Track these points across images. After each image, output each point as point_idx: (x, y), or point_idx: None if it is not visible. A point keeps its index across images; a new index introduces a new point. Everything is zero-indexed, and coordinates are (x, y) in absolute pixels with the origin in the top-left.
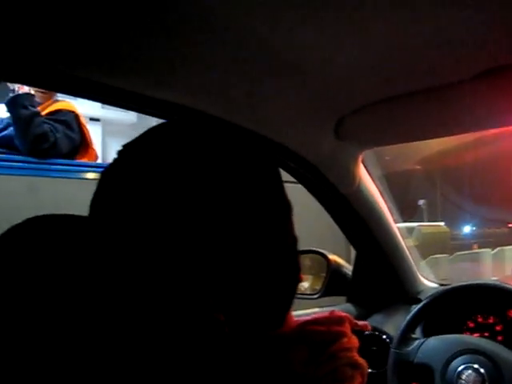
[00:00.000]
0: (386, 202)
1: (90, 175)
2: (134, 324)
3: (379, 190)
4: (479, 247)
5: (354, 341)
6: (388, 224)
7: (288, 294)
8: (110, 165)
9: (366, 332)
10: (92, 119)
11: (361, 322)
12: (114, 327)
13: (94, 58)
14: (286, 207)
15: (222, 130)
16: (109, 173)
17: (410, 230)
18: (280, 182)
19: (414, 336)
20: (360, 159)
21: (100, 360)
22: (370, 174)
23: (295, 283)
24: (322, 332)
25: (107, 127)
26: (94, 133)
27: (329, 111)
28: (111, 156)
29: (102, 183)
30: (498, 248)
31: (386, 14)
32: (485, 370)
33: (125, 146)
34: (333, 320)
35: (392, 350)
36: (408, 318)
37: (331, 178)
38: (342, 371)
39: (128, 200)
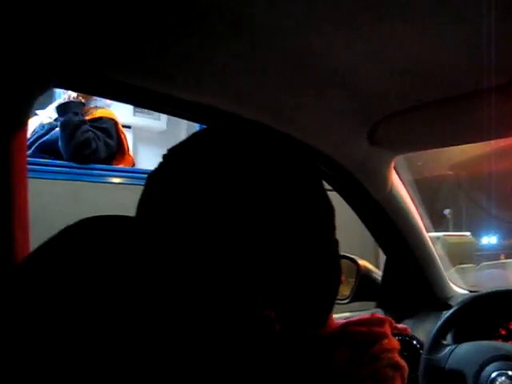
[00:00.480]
0: (416, 207)
1: (128, 180)
2: (184, 320)
3: (410, 196)
4: (506, 258)
5: (395, 342)
6: (419, 229)
7: (331, 295)
8: (156, 168)
9: (397, 337)
10: (123, 126)
11: (400, 326)
12: (166, 324)
13: (132, 62)
14: (329, 211)
15: (266, 136)
16: (155, 176)
17: (436, 240)
18: (322, 187)
19: (445, 342)
20: (392, 165)
21: (155, 356)
22: (401, 180)
23: (337, 284)
24: (364, 333)
25: (138, 134)
26: None
27: (363, 117)
28: (142, 162)
29: (148, 186)
30: None
31: (419, 22)
32: None
33: (170, 150)
34: (374, 321)
35: (423, 356)
36: (439, 324)
37: (364, 183)
38: (383, 372)
39: (176, 202)
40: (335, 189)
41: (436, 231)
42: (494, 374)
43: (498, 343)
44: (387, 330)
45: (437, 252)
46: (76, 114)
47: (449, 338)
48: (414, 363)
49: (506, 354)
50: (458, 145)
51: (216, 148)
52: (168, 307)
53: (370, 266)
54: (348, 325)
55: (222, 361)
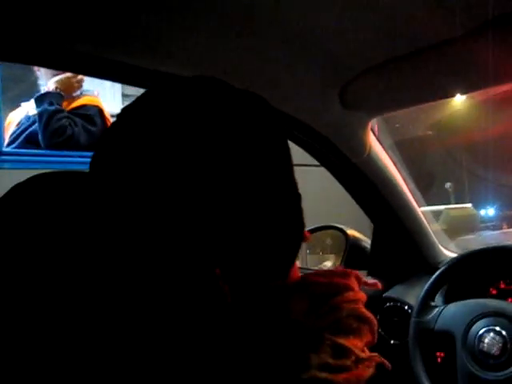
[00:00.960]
0: (399, 171)
1: None
2: (133, 295)
3: (392, 160)
4: (508, 227)
5: (360, 295)
6: (402, 192)
7: (291, 248)
8: (110, 127)
9: (388, 304)
10: (113, 116)
11: (370, 281)
12: (114, 295)
13: (108, 35)
14: (286, 163)
15: (224, 90)
16: (107, 134)
17: (438, 214)
18: (280, 140)
19: (433, 304)
20: (369, 127)
21: (102, 334)
22: (380, 143)
23: (299, 238)
24: (324, 283)
25: None
26: None
27: (332, 79)
28: None
29: (101, 143)
30: None
31: None
32: (507, 331)
33: (123, 109)
34: (336, 273)
35: (412, 319)
36: (426, 286)
37: (341, 148)
38: (345, 322)
39: (127, 160)
40: (315, 156)
41: (438, 205)
42: (481, 331)
43: (485, 300)
44: (352, 282)
45: (437, 228)
46: (51, 103)
47: (440, 301)
48: (406, 328)
49: (492, 310)
50: (435, 101)
51: (171, 104)
52: (110, 275)
53: (359, 235)
54: (307, 276)
55: (169, 338)
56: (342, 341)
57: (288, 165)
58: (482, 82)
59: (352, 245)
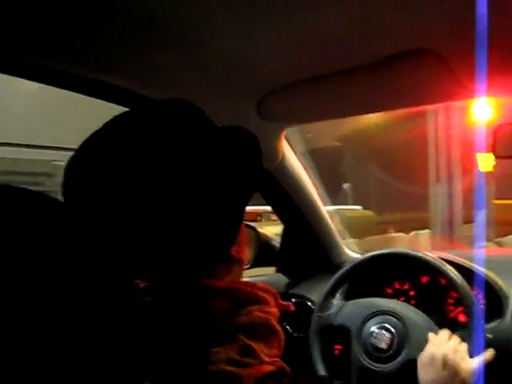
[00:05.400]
0: (310, 178)
1: None
2: (52, 296)
3: (304, 166)
4: (396, 231)
5: (275, 311)
6: (312, 197)
7: (216, 249)
8: (76, 151)
9: (293, 300)
10: None
11: (285, 302)
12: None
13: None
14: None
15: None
16: (75, 158)
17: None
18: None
19: (334, 301)
20: (283, 136)
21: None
22: (293, 150)
23: (223, 241)
24: (247, 292)
25: None
26: None
27: (250, 91)
28: None
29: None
30: (413, 232)
31: (301, 1)
32: (395, 329)
33: (86, 140)
34: (258, 286)
35: (315, 314)
36: (328, 284)
37: None
38: (258, 329)
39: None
40: None
41: (335, 204)
42: (373, 327)
43: (379, 300)
44: (270, 298)
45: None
46: None
47: (340, 297)
48: (308, 323)
49: (384, 310)
50: (343, 117)
51: (127, 132)
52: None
53: (270, 234)
54: (233, 281)
55: (85, 335)
56: (251, 343)
57: (235, 183)
58: (386, 104)
59: (262, 243)
